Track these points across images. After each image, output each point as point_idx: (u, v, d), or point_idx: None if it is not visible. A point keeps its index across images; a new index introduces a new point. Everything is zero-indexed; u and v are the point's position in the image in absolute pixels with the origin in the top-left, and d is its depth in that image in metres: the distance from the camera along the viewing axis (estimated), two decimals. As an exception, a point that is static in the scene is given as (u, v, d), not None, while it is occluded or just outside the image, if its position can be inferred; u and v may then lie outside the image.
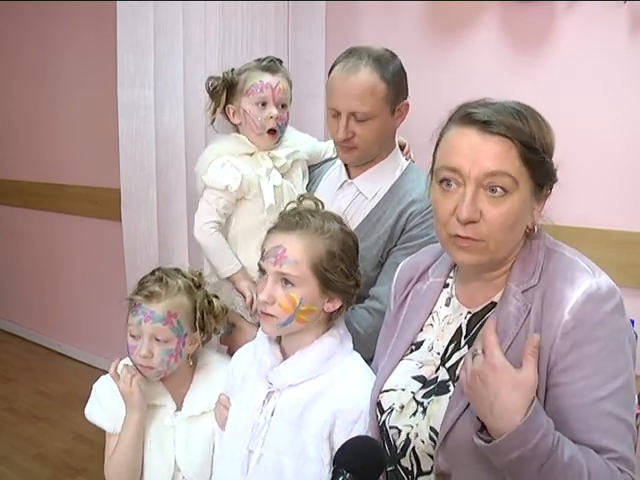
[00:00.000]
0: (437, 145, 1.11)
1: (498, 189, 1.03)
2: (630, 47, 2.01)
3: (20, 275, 4.23)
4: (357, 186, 1.67)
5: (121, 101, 1.97)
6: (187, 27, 2.11)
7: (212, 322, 1.49)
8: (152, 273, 1.47)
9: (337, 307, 1.28)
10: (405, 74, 1.63)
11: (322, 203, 1.34)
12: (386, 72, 1.56)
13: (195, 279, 1.50)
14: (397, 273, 1.34)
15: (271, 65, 1.71)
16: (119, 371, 1.43)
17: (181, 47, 2.10)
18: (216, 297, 1.54)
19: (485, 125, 1.03)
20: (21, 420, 3.08)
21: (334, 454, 1.03)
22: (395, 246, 1.58)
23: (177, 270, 1.50)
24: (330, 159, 1.83)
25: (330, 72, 1.63)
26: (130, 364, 1.45)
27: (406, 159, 1.75)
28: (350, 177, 1.69)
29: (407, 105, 1.64)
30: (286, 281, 1.22)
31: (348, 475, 0.96)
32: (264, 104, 1.68)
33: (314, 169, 1.87)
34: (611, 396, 0.99)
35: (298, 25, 2.56)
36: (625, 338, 1.03)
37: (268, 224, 1.65)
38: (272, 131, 1.69)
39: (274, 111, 1.67)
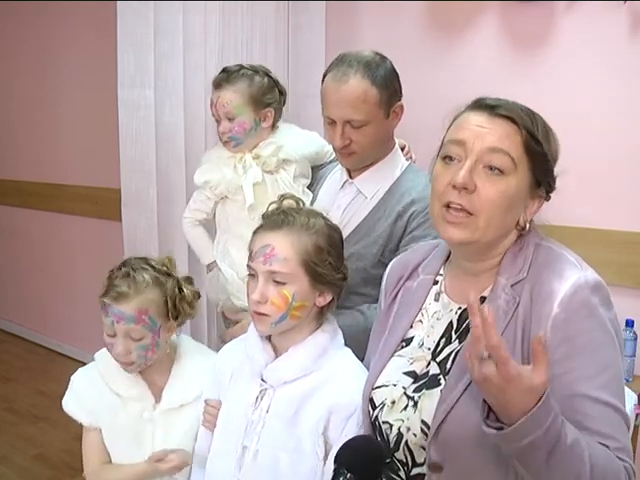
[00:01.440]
0: (448, 129, 1.14)
1: (496, 169, 1.05)
2: (630, 47, 2.01)
3: (20, 275, 4.24)
4: (357, 186, 1.69)
5: (121, 101, 1.98)
6: (187, 27, 2.12)
7: (186, 309, 1.47)
8: (119, 267, 1.45)
9: (328, 301, 1.29)
10: (397, 75, 1.63)
11: (303, 202, 1.36)
12: (377, 77, 1.56)
13: (164, 268, 1.47)
14: (387, 271, 1.35)
15: (216, 79, 1.76)
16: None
17: (181, 47, 2.10)
18: (189, 282, 1.51)
19: (494, 108, 1.07)
20: (21, 420, 3.09)
21: (335, 454, 1.03)
22: (398, 249, 1.58)
23: (145, 260, 1.47)
24: (335, 160, 1.84)
25: (323, 80, 1.63)
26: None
27: (407, 159, 1.76)
28: (351, 177, 1.70)
29: (401, 106, 1.65)
30: (277, 279, 1.23)
31: (349, 475, 0.96)
32: (218, 120, 1.77)
33: (319, 169, 1.89)
34: (604, 386, 1.00)
35: (298, 25, 2.56)
36: (613, 328, 1.04)
37: (249, 221, 1.69)
38: (225, 142, 1.77)
39: (220, 127, 1.75)
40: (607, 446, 0.97)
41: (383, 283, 1.35)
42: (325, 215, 1.34)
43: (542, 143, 1.07)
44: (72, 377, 1.50)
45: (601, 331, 1.02)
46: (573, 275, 1.03)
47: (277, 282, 1.23)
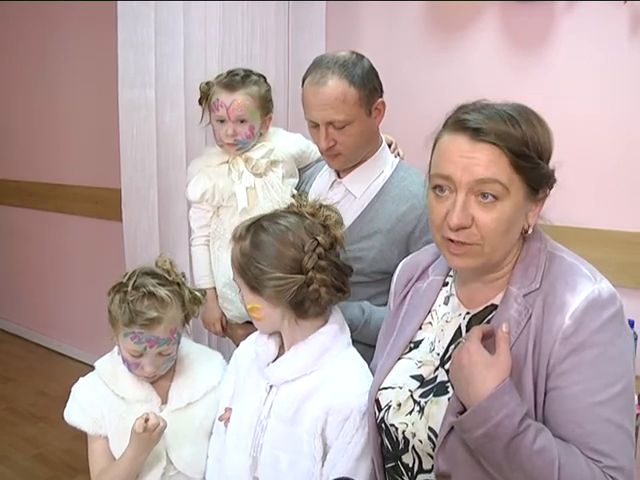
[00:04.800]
0: (433, 150, 1.12)
1: (489, 196, 1.03)
2: (630, 47, 2.01)
3: (20, 275, 4.24)
4: (345, 185, 1.69)
5: (122, 101, 1.98)
6: (188, 27, 2.12)
7: (196, 309, 1.49)
8: (135, 288, 1.38)
9: (277, 305, 1.28)
10: (375, 72, 1.63)
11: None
12: (354, 76, 1.56)
13: (173, 276, 1.45)
14: (397, 272, 1.35)
15: (229, 81, 1.74)
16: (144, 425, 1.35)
17: (182, 47, 2.10)
18: (184, 277, 1.51)
19: (475, 132, 1.03)
20: (21, 420, 3.09)
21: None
22: (407, 252, 1.54)
23: (152, 273, 1.43)
24: (322, 158, 1.84)
25: (302, 84, 1.63)
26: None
27: (395, 156, 1.76)
28: (339, 177, 1.71)
29: (383, 103, 1.65)
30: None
31: None
32: (222, 121, 1.75)
33: (306, 169, 1.89)
34: (609, 402, 0.99)
35: (298, 25, 2.56)
36: (624, 345, 1.03)
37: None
38: (230, 144, 1.76)
39: (229, 130, 1.74)
40: (599, 462, 0.97)
41: (392, 284, 1.34)
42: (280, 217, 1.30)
43: (530, 154, 1.03)
44: (73, 388, 1.48)
45: (610, 345, 1.01)
46: (586, 288, 1.02)
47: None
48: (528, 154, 1.03)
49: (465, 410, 0.99)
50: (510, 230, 1.06)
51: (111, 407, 1.44)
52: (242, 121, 1.74)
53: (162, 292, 1.39)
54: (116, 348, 1.47)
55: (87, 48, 3.40)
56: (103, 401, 1.44)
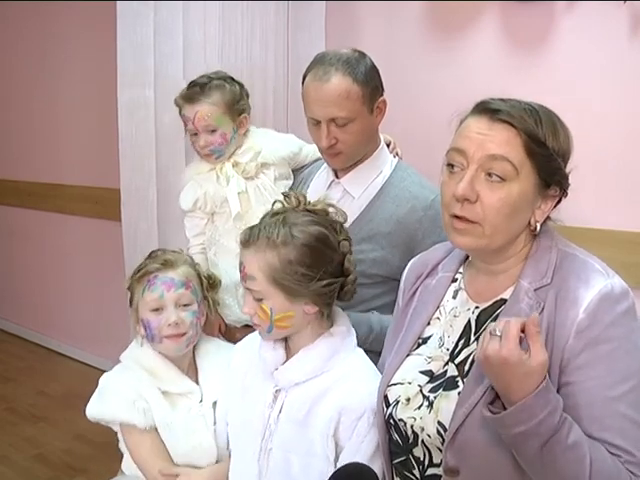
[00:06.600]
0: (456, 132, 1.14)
1: (495, 175, 1.05)
2: (630, 47, 2.00)
3: (20, 275, 4.23)
4: (344, 186, 1.68)
5: (121, 101, 1.98)
6: (187, 27, 2.12)
7: (212, 295, 1.53)
8: (149, 256, 1.50)
9: (315, 309, 1.26)
10: (377, 71, 1.63)
11: (300, 198, 1.31)
12: (358, 73, 1.56)
13: (184, 254, 1.56)
14: (407, 269, 1.36)
15: (189, 94, 1.73)
16: None
17: (181, 47, 2.10)
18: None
19: (495, 113, 1.07)
20: (21, 420, 3.07)
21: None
22: (413, 254, 1.54)
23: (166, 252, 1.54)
24: (319, 159, 1.84)
25: (303, 81, 1.63)
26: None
27: (393, 156, 1.75)
28: (337, 177, 1.70)
29: (384, 101, 1.64)
30: (254, 295, 1.25)
31: None
32: (196, 134, 1.75)
33: (303, 170, 1.88)
34: (623, 397, 0.99)
35: (298, 25, 2.56)
36: (637, 341, 1.03)
37: (236, 231, 1.68)
38: (206, 155, 1.76)
39: (201, 141, 1.73)
40: (619, 456, 0.97)
41: (402, 281, 1.35)
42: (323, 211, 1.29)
43: (546, 144, 1.06)
44: (104, 383, 1.46)
45: (625, 340, 1.01)
46: (599, 283, 1.03)
47: (256, 297, 1.25)
48: (543, 141, 1.06)
49: (496, 399, 0.98)
50: (513, 215, 1.07)
51: (153, 400, 1.42)
52: (212, 130, 1.72)
53: (174, 253, 1.50)
54: (135, 342, 1.48)
55: (87, 48, 3.40)
56: (143, 393, 1.42)
